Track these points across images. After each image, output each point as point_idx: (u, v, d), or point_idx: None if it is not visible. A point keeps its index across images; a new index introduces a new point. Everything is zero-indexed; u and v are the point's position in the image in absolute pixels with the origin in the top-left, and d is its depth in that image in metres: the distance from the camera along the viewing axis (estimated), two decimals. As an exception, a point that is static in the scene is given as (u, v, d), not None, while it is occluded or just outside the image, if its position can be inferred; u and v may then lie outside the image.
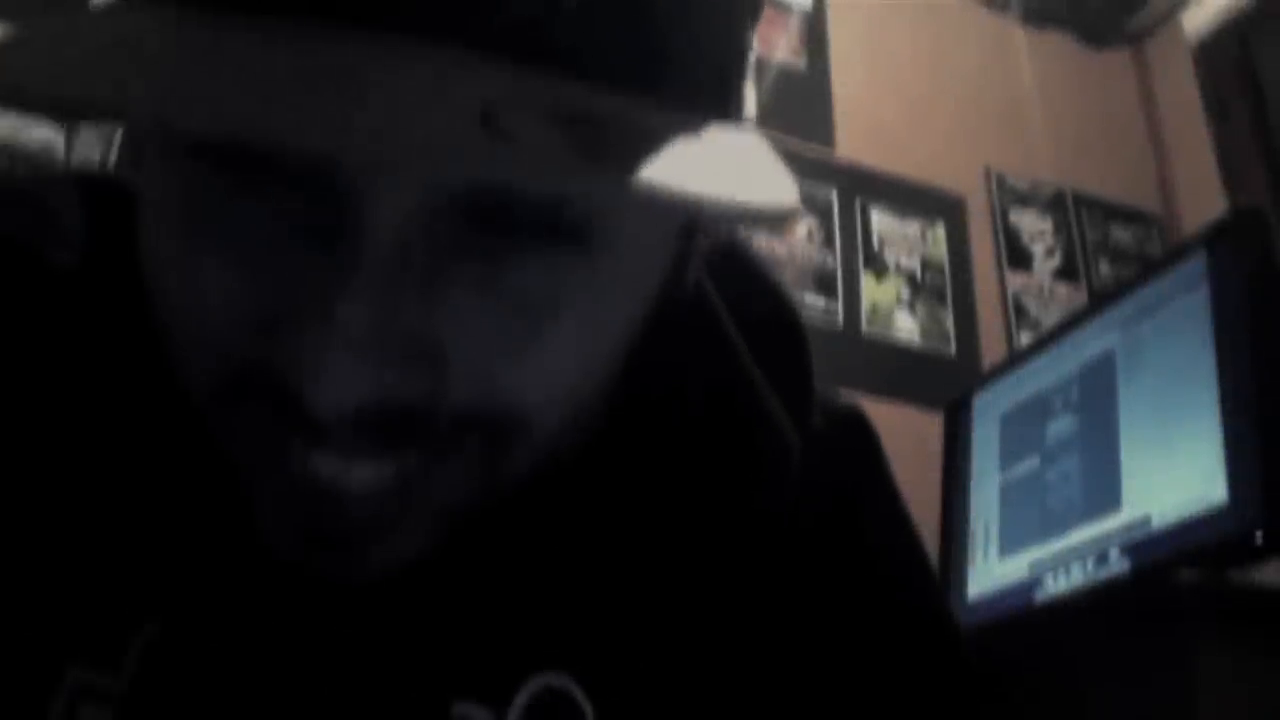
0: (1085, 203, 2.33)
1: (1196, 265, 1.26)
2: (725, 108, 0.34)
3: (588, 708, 0.40)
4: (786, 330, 0.48)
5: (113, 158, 1.63)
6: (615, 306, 0.35)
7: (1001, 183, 2.27)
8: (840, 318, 1.98)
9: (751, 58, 0.37)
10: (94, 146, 1.63)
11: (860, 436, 0.51)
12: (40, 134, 1.61)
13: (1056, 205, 2.30)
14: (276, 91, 0.25)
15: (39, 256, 0.42)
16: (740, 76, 0.36)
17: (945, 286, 2.11)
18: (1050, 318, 2.11)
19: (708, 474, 0.44)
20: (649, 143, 0.28)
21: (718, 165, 0.30)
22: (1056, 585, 1.32)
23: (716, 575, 0.44)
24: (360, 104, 0.25)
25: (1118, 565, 1.23)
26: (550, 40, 0.29)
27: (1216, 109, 2.27)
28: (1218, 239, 1.26)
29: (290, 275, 0.31)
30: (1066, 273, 2.24)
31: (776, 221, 0.30)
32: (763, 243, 1.95)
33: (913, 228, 2.14)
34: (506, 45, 0.28)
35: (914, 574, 0.51)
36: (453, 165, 0.27)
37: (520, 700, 0.39)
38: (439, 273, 0.31)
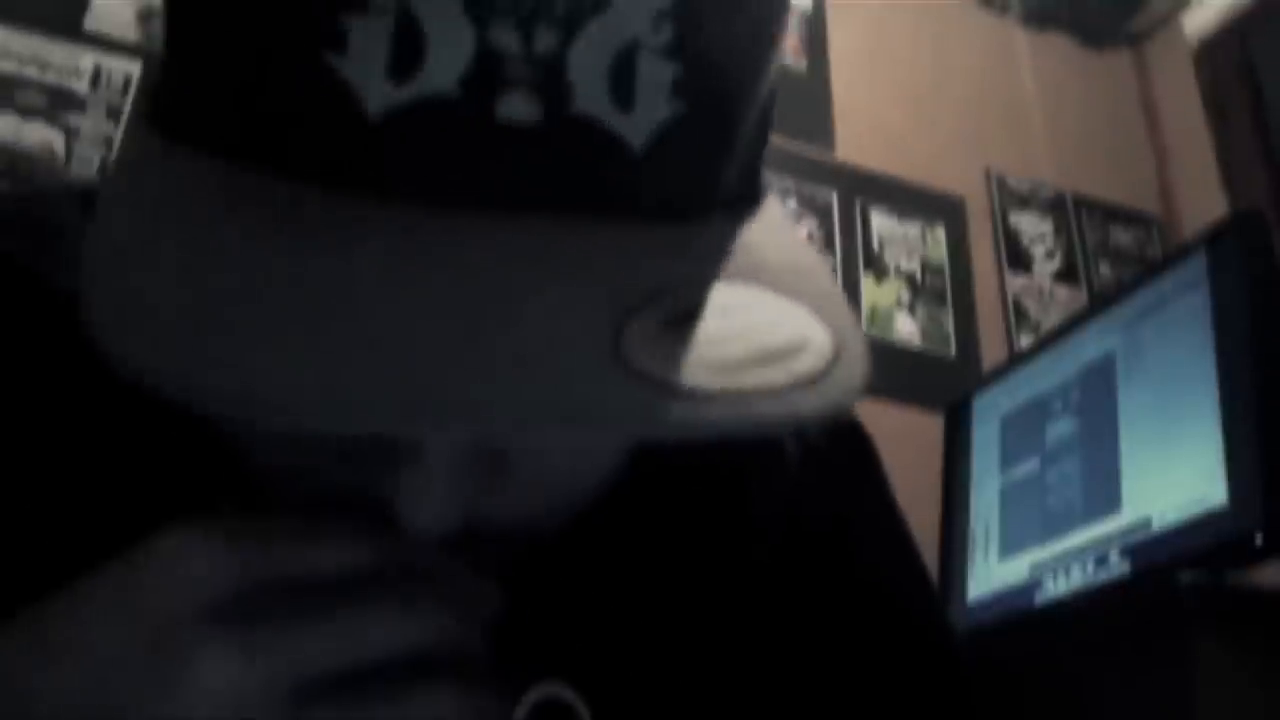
0: (1085, 204, 2.33)
1: (1196, 266, 1.26)
2: (757, 191, 0.35)
3: (587, 718, 0.40)
4: None
5: (112, 160, 1.63)
6: None
7: (1002, 184, 2.27)
8: (840, 319, 1.98)
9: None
10: (94, 147, 1.63)
11: (857, 446, 0.51)
12: (40, 134, 1.61)
13: (1057, 207, 2.30)
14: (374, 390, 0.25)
15: (41, 278, 0.41)
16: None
17: (945, 288, 2.11)
18: (1050, 319, 2.11)
19: (705, 482, 0.44)
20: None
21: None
22: (1057, 587, 1.32)
23: (715, 587, 0.44)
24: (487, 376, 0.25)
25: (1118, 567, 1.23)
26: (629, 196, 0.29)
27: (1216, 110, 2.27)
28: (1218, 240, 1.25)
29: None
30: (1067, 274, 2.24)
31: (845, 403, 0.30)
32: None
33: (913, 229, 2.14)
34: (593, 210, 0.28)
35: (911, 585, 0.51)
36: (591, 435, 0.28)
37: (521, 712, 0.39)
38: None
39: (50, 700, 0.30)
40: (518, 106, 0.27)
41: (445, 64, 0.27)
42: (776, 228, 0.34)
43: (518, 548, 0.36)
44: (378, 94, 0.27)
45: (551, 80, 0.27)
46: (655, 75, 0.28)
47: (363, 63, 0.27)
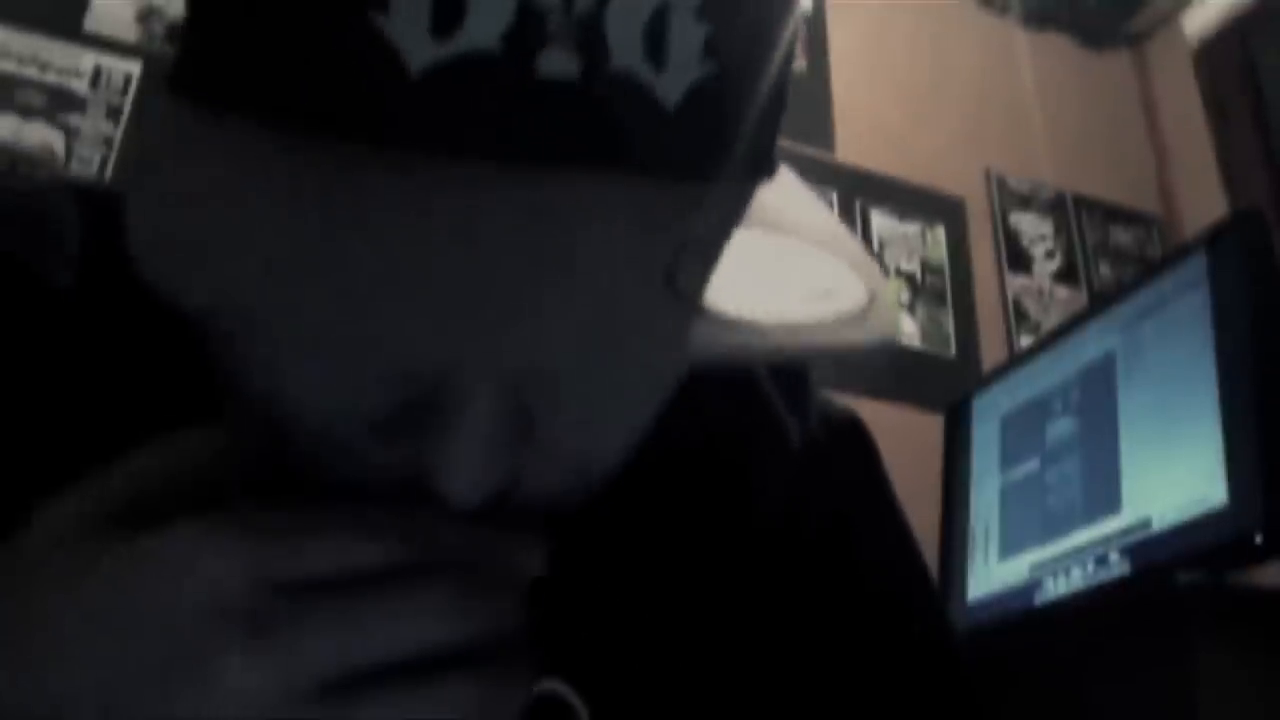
0: (1085, 204, 2.33)
1: (1196, 266, 1.26)
2: (774, 160, 0.36)
3: (585, 714, 0.40)
4: None
5: (112, 160, 1.63)
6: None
7: (1002, 185, 2.27)
8: (840, 319, 1.98)
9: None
10: (94, 147, 1.63)
11: (857, 442, 0.51)
12: (40, 134, 1.61)
13: (1057, 207, 2.30)
14: (443, 313, 0.26)
15: (38, 275, 0.41)
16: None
17: (945, 288, 2.11)
18: (1050, 320, 2.11)
19: (706, 470, 0.44)
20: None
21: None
22: (1057, 587, 1.32)
23: (714, 581, 0.44)
24: (550, 309, 0.27)
25: (1118, 567, 1.23)
26: (663, 153, 0.30)
27: (1216, 110, 2.27)
28: (1218, 240, 1.25)
29: (414, 385, 0.31)
30: (1067, 275, 2.24)
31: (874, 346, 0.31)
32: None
33: (913, 230, 2.14)
34: (629, 166, 0.29)
35: (911, 581, 0.51)
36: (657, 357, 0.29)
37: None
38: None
39: (49, 705, 0.29)
40: (558, 63, 0.28)
41: (487, 21, 0.27)
42: (799, 194, 0.35)
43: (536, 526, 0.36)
44: (420, 51, 0.27)
45: (590, 38, 0.28)
46: (687, 35, 0.29)
47: (405, 21, 0.27)
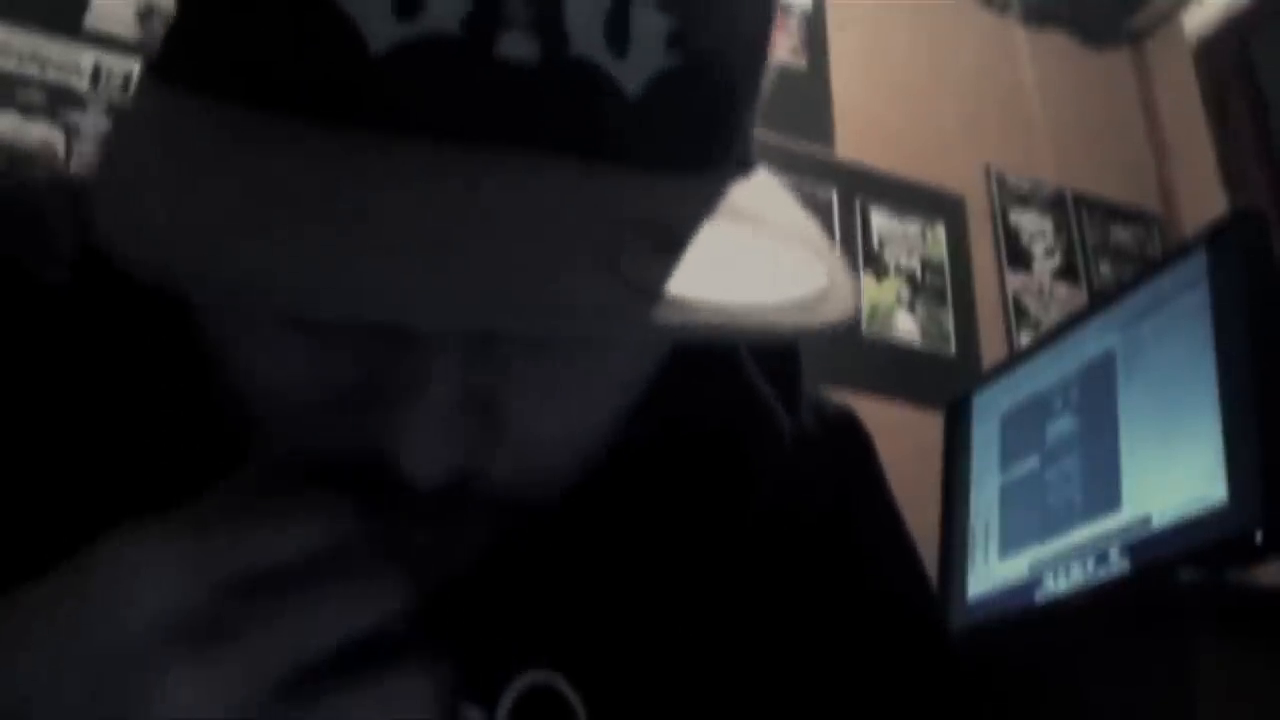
0: (1085, 203, 2.33)
1: (1196, 265, 1.26)
2: (749, 156, 0.36)
3: (579, 706, 0.40)
4: None
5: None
6: (656, 348, 0.37)
7: (1001, 183, 2.27)
8: (840, 317, 1.98)
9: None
10: (94, 145, 1.63)
11: (853, 437, 0.51)
12: (41, 132, 1.61)
13: (1056, 205, 2.30)
14: (392, 276, 0.26)
15: (32, 273, 0.41)
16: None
17: (945, 286, 2.11)
18: (1050, 318, 2.11)
19: (698, 463, 0.44)
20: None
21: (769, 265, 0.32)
22: (1057, 585, 1.32)
23: (709, 574, 0.44)
24: (495, 273, 0.26)
25: (1118, 565, 1.23)
26: (622, 140, 0.30)
27: (1216, 109, 2.27)
28: (1218, 239, 1.26)
29: (376, 358, 0.32)
30: (1066, 273, 2.24)
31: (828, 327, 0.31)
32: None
33: (913, 228, 2.14)
34: (585, 152, 0.29)
35: (906, 576, 0.51)
36: (588, 325, 0.28)
37: (508, 698, 0.39)
38: (497, 341, 0.32)
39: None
40: (517, 46, 0.28)
41: (447, 3, 0.28)
42: (773, 192, 0.35)
43: (511, 515, 0.36)
44: (382, 32, 0.28)
45: (550, 23, 0.28)
46: (650, 26, 0.29)
47: (368, 2, 0.28)
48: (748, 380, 0.46)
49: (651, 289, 0.27)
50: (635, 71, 0.29)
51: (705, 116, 0.32)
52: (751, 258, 0.31)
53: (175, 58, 0.32)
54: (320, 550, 0.31)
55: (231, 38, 0.30)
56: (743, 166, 0.35)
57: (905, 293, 2.07)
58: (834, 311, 0.30)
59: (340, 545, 0.32)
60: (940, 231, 2.16)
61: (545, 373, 0.33)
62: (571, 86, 0.29)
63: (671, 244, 0.29)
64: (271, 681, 0.30)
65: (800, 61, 2.21)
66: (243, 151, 0.29)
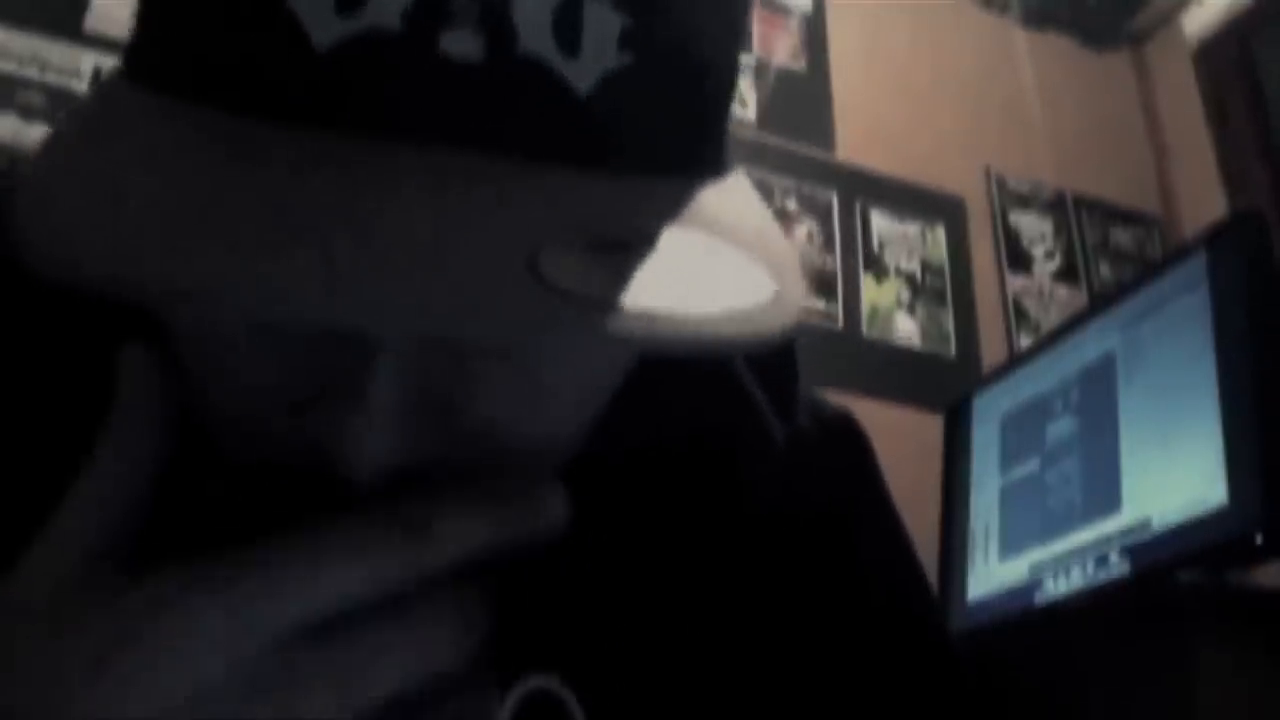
0: (1085, 204, 2.33)
1: (1196, 266, 1.26)
2: (719, 161, 0.35)
3: (578, 710, 0.40)
4: None
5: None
6: (623, 351, 0.36)
7: (1001, 184, 2.27)
8: (840, 320, 1.98)
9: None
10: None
11: (851, 440, 0.51)
12: (41, 134, 1.61)
13: (1057, 207, 2.30)
14: (297, 279, 0.25)
15: (9, 262, 0.41)
16: (730, 116, 0.37)
17: (945, 288, 2.11)
18: (1050, 320, 2.11)
19: (691, 467, 0.44)
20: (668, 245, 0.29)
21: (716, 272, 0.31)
22: (1057, 587, 1.32)
23: (707, 579, 0.44)
24: (397, 273, 0.26)
25: (1118, 567, 1.23)
26: (572, 141, 0.29)
27: (1216, 110, 2.27)
28: (1218, 240, 1.26)
29: (320, 357, 0.31)
30: (1067, 274, 2.24)
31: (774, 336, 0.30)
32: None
33: (913, 229, 2.14)
34: (532, 151, 0.29)
35: (905, 579, 0.51)
36: (501, 330, 0.28)
37: (510, 703, 0.39)
38: (456, 343, 0.31)
39: None
40: (461, 43, 0.28)
41: None
42: (740, 198, 0.34)
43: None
44: (325, 28, 0.27)
45: (496, 20, 0.28)
46: (602, 24, 0.29)
47: None
48: (739, 384, 0.45)
49: (578, 295, 0.26)
50: (587, 71, 0.29)
51: (665, 118, 0.31)
52: (696, 265, 0.30)
53: (128, 52, 0.32)
54: (375, 592, 0.31)
55: (176, 31, 0.30)
56: (712, 169, 0.34)
57: (905, 295, 2.07)
58: (772, 324, 0.29)
59: (383, 588, 0.31)
60: (940, 233, 2.16)
61: (507, 376, 0.33)
62: (517, 85, 0.28)
63: (609, 248, 0.28)
64: None
65: (800, 63, 2.21)
66: (178, 146, 0.28)
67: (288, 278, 0.25)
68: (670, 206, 0.31)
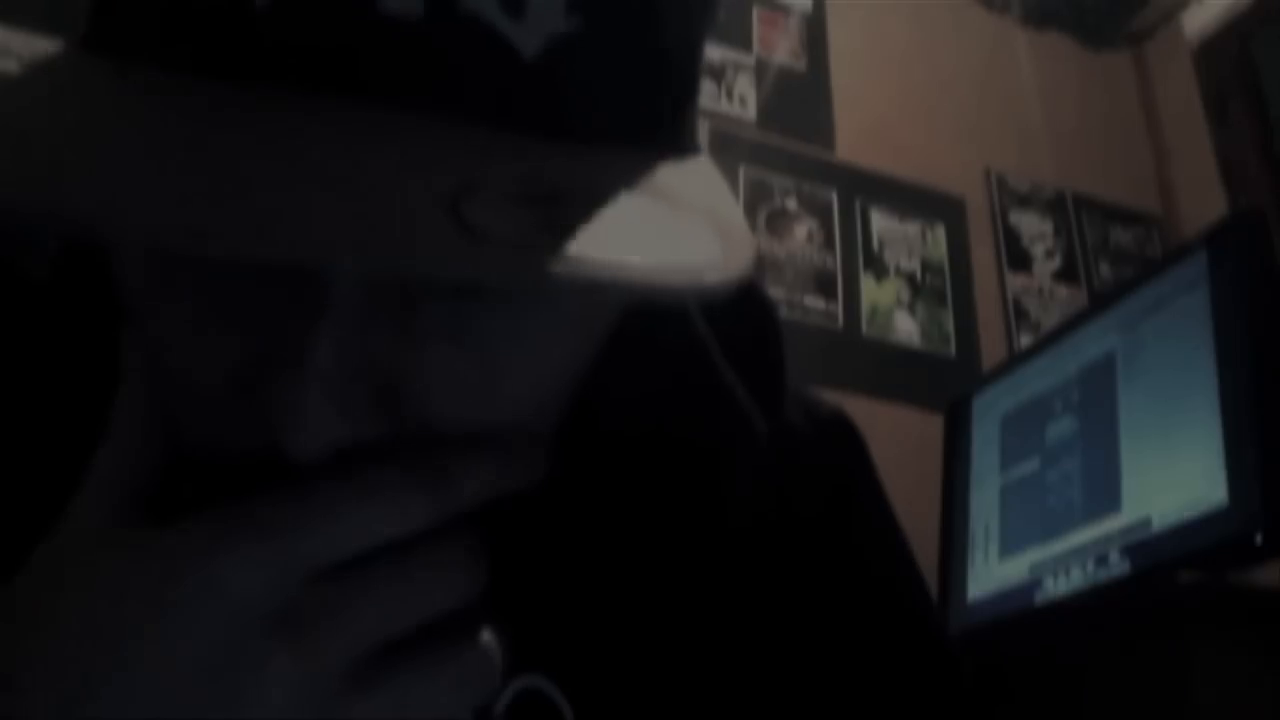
0: (1085, 204, 2.33)
1: (1196, 266, 1.26)
2: (680, 140, 0.34)
3: (567, 710, 0.40)
4: (756, 319, 0.48)
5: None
6: (581, 332, 0.36)
7: (1002, 184, 2.27)
8: (840, 319, 1.98)
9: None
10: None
11: (846, 438, 0.51)
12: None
13: (1057, 206, 2.30)
14: (231, 209, 0.25)
15: (13, 267, 0.42)
16: (694, 97, 0.36)
17: (945, 288, 2.11)
18: (1050, 319, 2.11)
19: (674, 463, 0.44)
20: (608, 205, 0.29)
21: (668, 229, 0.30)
22: (1057, 587, 1.32)
23: (699, 577, 0.44)
24: (321, 210, 0.25)
25: (1118, 567, 1.23)
26: (516, 103, 0.29)
27: (1216, 109, 2.27)
28: (1218, 239, 1.26)
29: (261, 322, 0.31)
30: (1067, 274, 2.24)
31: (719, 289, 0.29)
32: (763, 244, 1.95)
33: (913, 229, 2.14)
34: (473, 112, 0.28)
35: (901, 578, 0.51)
36: (423, 271, 0.27)
37: (501, 703, 0.39)
38: (405, 313, 0.31)
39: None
40: (401, 1, 0.27)
41: None
42: (700, 179, 0.33)
43: (494, 519, 0.36)
44: None
45: None
46: None
47: None
48: (718, 379, 0.45)
49: (499, 236, 0.26)
50: (532, 34, 0.29)
51: (618, 88, 0.31)
52: (636, 224, 0.29)
53: (87, 20, 0.32)
54: (396, 535, 0.31)
55: None
56: (671, 148, 0.33)
57: (905, 294, 2.07)
58: (712, 279, 0.29)
59: (410, 525, 0.31)
60: (940, 233, 2.16)
61: (456, 358, 0.32)
62: (458, 44, 0.28)
63: (541, 200, 0.28)
64: (353, 665, 0.30)
65: (800, 63, 2.21)
66: (101, 93, 0.28)
67: (200, 213, 0.25)
68: (615, 172, 0.30)
